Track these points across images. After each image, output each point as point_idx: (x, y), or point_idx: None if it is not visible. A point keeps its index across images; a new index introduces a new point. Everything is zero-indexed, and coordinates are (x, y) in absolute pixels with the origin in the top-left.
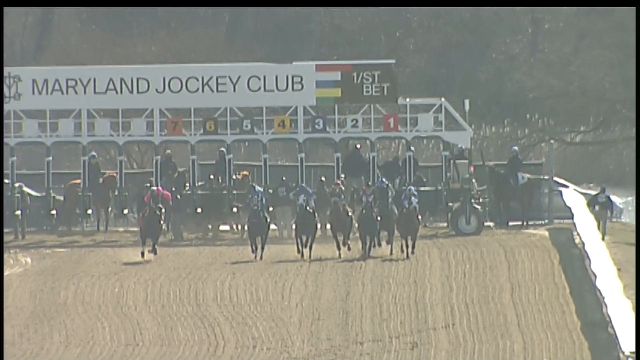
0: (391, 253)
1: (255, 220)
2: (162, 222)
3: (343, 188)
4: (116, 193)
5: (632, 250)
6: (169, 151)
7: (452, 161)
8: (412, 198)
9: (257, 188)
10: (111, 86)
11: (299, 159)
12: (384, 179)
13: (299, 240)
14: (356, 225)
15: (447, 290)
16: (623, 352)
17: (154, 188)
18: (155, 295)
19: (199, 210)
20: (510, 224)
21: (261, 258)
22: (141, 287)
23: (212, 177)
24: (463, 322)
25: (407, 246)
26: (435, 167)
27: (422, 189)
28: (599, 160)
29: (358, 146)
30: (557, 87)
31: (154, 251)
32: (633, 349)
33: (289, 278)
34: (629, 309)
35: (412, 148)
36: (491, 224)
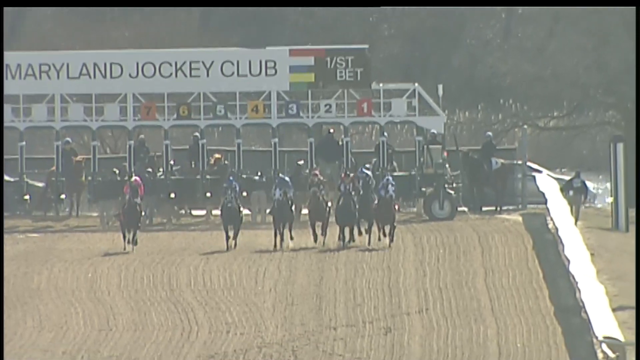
0: (369, 243)
1: (229, 211)
2: (142, 212)
3: (322, 178)
4: (89, 178)
5: (606, 236)
6: (142, 136)
7: (425, 146)
8: (389, 187)
9: (231, 178)
10: (84, 71)
11: (273, 144)
12: (365, 169)
13: (277, 231)
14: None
15: (421, 275)
16: (596, 337)
17: (133, 179)
18: (128, 280)
19: (172, 195)
20: (484, 209)
21: (235, 246)
22: (114, 272)
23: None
24: (437, 307)
25: (385, 235)
26: (409, 152)
27: (395, 174)
28: (573, 145)
29: (331, 131)
30: (530, 73)
31: (134, 242)
32: (606, 334)
33: (263, 263)
34: (602, 294)
35: (385, 134)
36: (465, 209)
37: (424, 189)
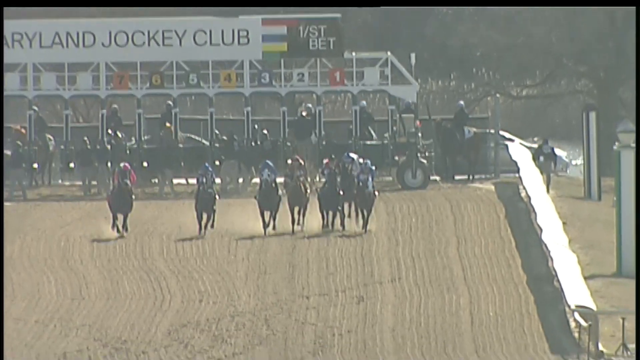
0: (343, 228)
1: (205, 196)
2: (132, 196)
3: (302, 162)
4: (62, 147)
5: (578, 204)
6: (115, 105)
7: (398, 115)
8: (370, 178)
9: (207, 165)
10: (57, 40)
11: (245, 113)
12: (350, 154)
13: (263, 217)
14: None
15: (393, 244)
16: (569, 306)
17: (122, 164)
18: (101, 249)
19: (145, 164)
20: (457, 178)
21: (212, 226)
22: (87, 241)
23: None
24: (409, 276)
25: (362, 218)
26: (382, 121)
27: (368, 142)
28: (545, 114)
29: (304, 114)
30: (502, 42)
31: (125, 227)
32: (579, 303)
33: (236, 232)
34: (574, 262)
35: (364, 102)
36: (437, 178)
37: (396, 158)
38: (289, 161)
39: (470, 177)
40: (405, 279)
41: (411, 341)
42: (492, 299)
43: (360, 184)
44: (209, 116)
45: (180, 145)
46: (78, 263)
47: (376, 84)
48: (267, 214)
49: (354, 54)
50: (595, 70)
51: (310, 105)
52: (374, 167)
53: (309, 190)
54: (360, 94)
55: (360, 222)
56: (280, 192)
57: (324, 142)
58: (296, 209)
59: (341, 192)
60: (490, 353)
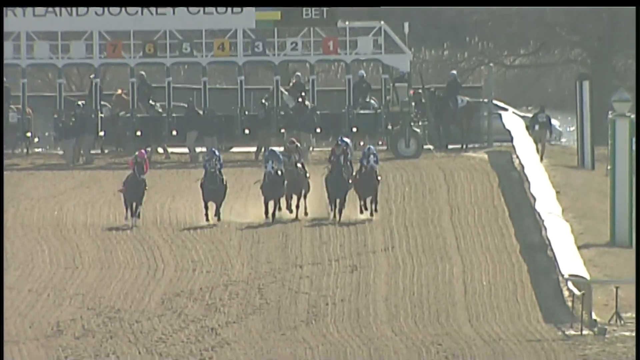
0: (335, 216)
1: (212, 186)
2: (146, 187)
3: (299, 145)
4: (55, 116)
5: (571, 173)
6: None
7: (391, 84)
8: (371, 157)
9: (213, 149)
10: (50, 8)
11: (239, 82)
12: (344, 138)
13: (267, 206)
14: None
15: (387, 213)
16: (562, 275)
17: (137, 153)
18: (94, 218)
19: (138, 133)
20: (450, 147)
21: (219, 220)
22: (80, 210)
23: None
24: (402, 245)
25: (365, 208)
26: (375, 90)
27: (361, 112)
28: (538, 83)
29: (300, 100)
30: (496, 11)
31: (137, 215)
32: (572, 272)
33: (229, 201)
34: (567, 231)
35: (363, 71)
36: (431, 147)
37: (390, 127)
38: (286, 144)
39: (464, 146)
40: (399, 248)
41: (404, 310)
42: (485, 268)
43: (363, 169)
44: (202, 85)
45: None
46: (72, 232)
47: (369, 53)
48: (271, 204)
49: (347, 23)
50: (589, 40)
51: (299, 73)
52: (376, 152)
53: (308, 174)
54: (354, 63)
55: (365, 210)
56: (285, 181)
57: (317, 112)
58: (295, 196)
59: (349, 180)
60: (483, 322)
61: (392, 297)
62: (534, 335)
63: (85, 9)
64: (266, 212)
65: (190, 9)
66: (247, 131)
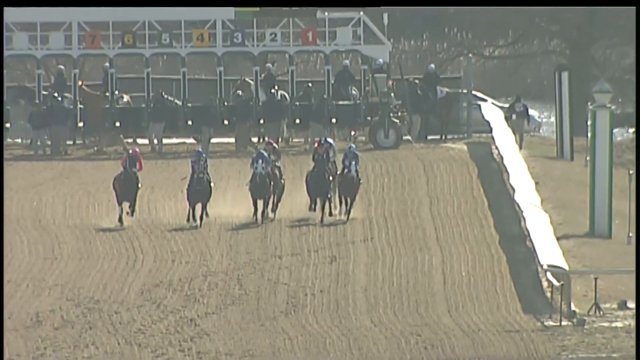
0: (330, 214)
1: (199, 187)
2: (139, 184)
3: (276, 146)
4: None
5: (550, 164)
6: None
7: (371, 75)
8: (353, 163)
9: (200, 150)
10: None
11: (218, 72)
12: (328, 139)
13: (256, 205)
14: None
15: (366, 204)
16: (541, 266)
17: (130, 150)
18: (73, 209)
19: (117, 124)
20: (429, 137)
21: (200, 226)
22: (59, 200)
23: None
24: (382, 236)
25: (346, 205)
26: (354, 81)
27: (340, 102)
28: (517, 74)
29: (273, 90)
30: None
31: (131, 213)
32: (551, 262)
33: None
34: (547, 222)
35: (347, 61)
36: (410, 137)
37: (369, 118)
38: (264, 146)
39: (443, 137)
40: (378, 238)
41: (383, 301)
42: (465, 258)
43: (345, 169)
44: (181, 76)
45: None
46: (50, 223)
47: (349, 44)
48: (260, 203)
49: (326, 13)
50: (568, 30)
51: (270, 64)
52: (357, 153)
53: (284, 178)
54: (333, 54)
55: (344, 208)
56: (272, 181)
57: (297, 103)
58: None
59: (330, 178)
60: (462, 312)
61: (372, 288)
62: (513, 326)
63: None
64: (255, 213)
65: None
66: (226, 122)
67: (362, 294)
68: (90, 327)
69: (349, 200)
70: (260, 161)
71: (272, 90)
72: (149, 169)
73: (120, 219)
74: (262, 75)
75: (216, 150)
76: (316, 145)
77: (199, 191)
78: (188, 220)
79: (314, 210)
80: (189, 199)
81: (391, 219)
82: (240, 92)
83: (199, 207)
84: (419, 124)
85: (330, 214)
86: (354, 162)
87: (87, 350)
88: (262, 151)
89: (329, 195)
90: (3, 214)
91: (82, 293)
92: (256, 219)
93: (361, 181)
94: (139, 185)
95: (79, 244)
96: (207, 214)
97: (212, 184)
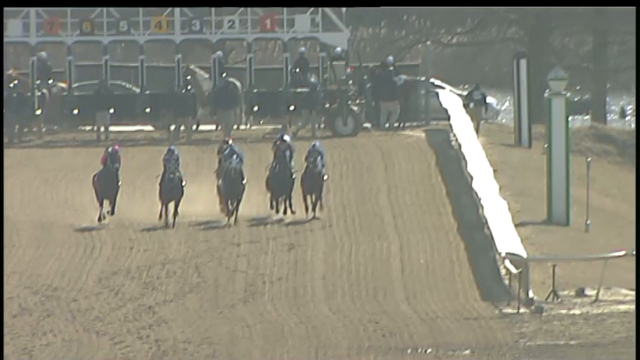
0: (294, 212)
1: (170, 185)
2: (119, 181)
3: (232, 143)
4: None
5: (508, 151)
6: (43, 53)
7: (329, 62)
8: (319, 159)
9: (172, 148)
10: None
11: (176, 60)
12: (285, 136)
13: (227, 205)
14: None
15: (324, 192)
16: (499, 253)
17: (111, 147)
18: (32, 197)
19: (75, 111)
20: (387, 125)
21: (173, 226)
22: (17, 189)
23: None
24: (340, 224)
25: (312, 208)
26: (312, 68)
27: (298, 90)
28: (476, 61)
29: (225, 75)
30: None
31: (112, 212)
32: (509, 250)
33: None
34: (505, 209)
35: (303, 48)
36: (368, 125)
37: (327, 105)
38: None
39: (401, 124)
40: (336, 226)
41: (342, 288)
42: (423, 246)
43: (310, 165)
44: (139, 64)
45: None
46: (8, 210)
47: (307, 31)
48: (231, 203)
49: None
50: (526, 18)
51: (220, 52)
52: (322, 150)
53: (245, 178)
54: (291, 41)
55: (310, 206)
56: (245, 179)
57: (254, 90)
58: (230, 201)
59: (293, 176)
60: (420, 300)
61: (330, 276)
62: (471, 314)
63: None
64: (228, 213)
65: None
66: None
67: (320, 281)
68: (48, 314)
69: (314, 197)
70: (234, 156)
71: (225, 75)
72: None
73: (100, 218)
74: (212, 63)
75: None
76: (278, 142)
77: (171, 189)
78: (160, 217)
79: (276, 209)
80: (161, 198)
81: (349, 207)
82: (189, 77)
83: (171, 205)
84: (398, 109)
85: (293, 212)
86: (319, 158)
87: (45, 338)
88: (233, 147)
89: (292, 193)
90: (3, 214)
91: (40, 281)
92: (229, 219)
93: (326, 178)
94: (119, 182)
95: (36, 232)
96: (176, 213)
97: (183, 183)
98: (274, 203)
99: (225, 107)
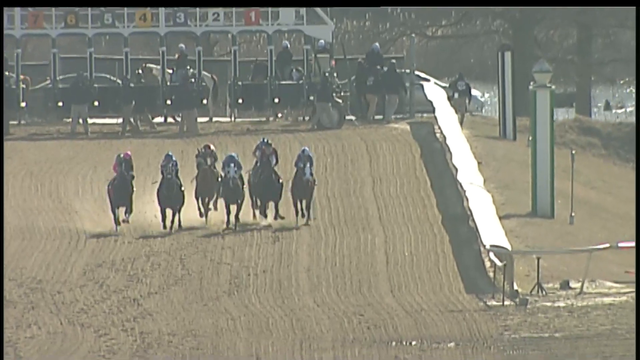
0: (279, 218)
1: (168, 192)
2: (133, 188)
3: (213, 149)
4: None
5: (493, 144)
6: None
7: (313, 55)
8: (307, 165)
9: (170, 153)
10: None
11: (161, 52)
12: (265, 140)
13: (229, 210)
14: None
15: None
16: (484, 246)
17: (122, 153)
18: (16, 189)
19: (60, 103)
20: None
21: (171, 228)
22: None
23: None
24: (324, 216)
25: (302, 211)
26: (297, 61)
27: (283, 82)
28: (460, 54)
29: (189, 68)
30: None
31: (128, 219)
32: (493, 242)
33: (151, 171)
34: (489, 202)
35: (287, 42)
36: (353, 117)
37: (312, 98)
38: (200, 149)
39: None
40: (321, 218)
41: (326, 281)
42: (407, 238)
43: (299, 171)
44: (124, 56)
45: (96, 86)
46: None
47: (291, 24)
48: (233, 208)
49: None
50: (511, 10)
51: (183, 45)
52: (311, 155)
53: (245, 183)
54: (276, 34)
55: (300, 215)
56: (244, 185)
57: (239, 83)
58: (206, 199)
59: (280, 181)
60: (405, 292)
61: (314, 268)
62: (456, 306)
63: None
64: (228, 220)
65: None
66: (168, 102)
67: (304, 274)
68: (33, 307)
69: (304, 203)
70: (232, 165)
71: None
72: (92, 148)
73: (116, 224)
74: (176, 56)
75: (160, 130)
76: (264, 147)
77: (169, 197)
78: (165, 227)
79: (264, 214)
80: (159, 204)
81: (334, 199)
82: (140, 71)
83: (169, 212)
84: (396, 102)
85: (282, 217)
86: (308, 164)
87: (30, 330)
88: (232, 155)
89: (279, 199)
90: (3, 214)
91: (24, 273)
92: (228, 222)
93: (316, 183)
94: (134, 189)
95: (21, 224)
96: (179, 224)
97: (183, 189)
98: (262, 209)
99: (186, 106)
